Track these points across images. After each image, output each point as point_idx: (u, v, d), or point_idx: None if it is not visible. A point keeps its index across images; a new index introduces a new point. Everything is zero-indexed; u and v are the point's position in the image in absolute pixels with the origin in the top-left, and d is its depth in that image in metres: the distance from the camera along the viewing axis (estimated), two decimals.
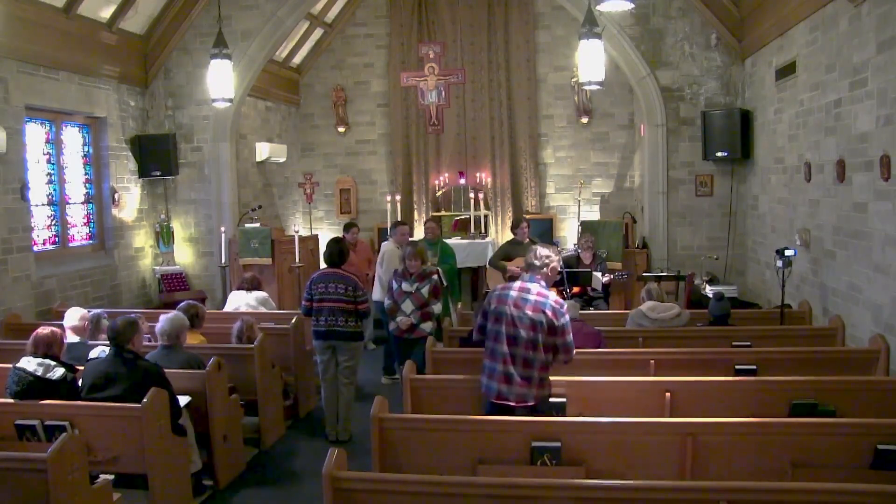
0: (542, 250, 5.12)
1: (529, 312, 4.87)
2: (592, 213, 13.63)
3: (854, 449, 4.28)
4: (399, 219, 10.96)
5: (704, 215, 11.40)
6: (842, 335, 6.87)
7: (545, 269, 5.07)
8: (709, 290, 9.89)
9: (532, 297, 4.92)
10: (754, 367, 5.93)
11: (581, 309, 7.14)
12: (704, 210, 11.39)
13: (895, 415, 4.80)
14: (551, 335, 4.89)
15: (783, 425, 4.50)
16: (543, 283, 5.05)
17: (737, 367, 5.94)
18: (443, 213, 13.55)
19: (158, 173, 11.17)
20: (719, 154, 10.90)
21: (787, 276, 7.76)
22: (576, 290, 8.88)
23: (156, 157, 11.08)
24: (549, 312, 4.87)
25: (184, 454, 5.54)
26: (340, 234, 9.61)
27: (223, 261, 10.52)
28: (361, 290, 7.09)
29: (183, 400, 5.62)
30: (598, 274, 9.09)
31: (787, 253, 7.60)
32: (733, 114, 10.78)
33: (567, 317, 4.99)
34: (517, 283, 5.04)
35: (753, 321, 7.77)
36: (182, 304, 6.95)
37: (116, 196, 10.67)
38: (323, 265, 7.45)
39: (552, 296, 4.98)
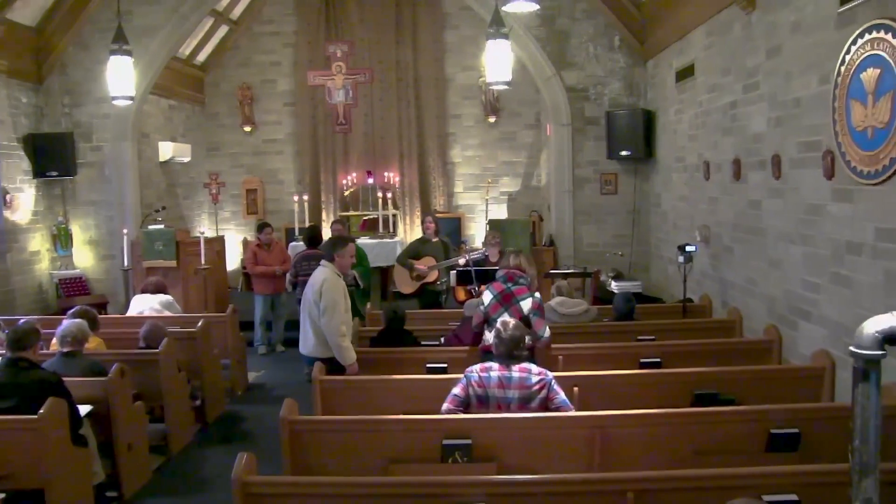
0: (511, 329, 4.74)
1: (516, 392, 4.61)
2: (500, 212, 13.80)
3: (751, 434, 4.45)
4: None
5: (609, 213, 11.68)
6: (739, 326, 7.16)
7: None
8: (614, 286, 10.15)
9: (515, 375, 4.64)
10: (659, 359, 6.12)
11: None
12: (609, 208, 11.67)
13: (787, 401, 5.02)
14: (543, 407, 4.63)
15: (686, 415, 4.63)
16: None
17: (642, 360, 6.11)
18: (351, 212, 13.48)
19: (55, 174, 10.74)
20: (623, 153, 11.18)
21: (689, 272, 8.04)
22: (484, 288, 8.93)
23: (52, 156, 10.66)
24: (535, 386, 4.62)
25: (85, 466, 5.33)
26: (254, 235, 9.52)
27: (126, 264, 10.20)
28: None
29: (84, 409, 5.40)
30: None
31: (689, 249, 7.88)
32: (636, 114, 11.07)
33: (551, 376, 4.69)
34: (495, 364, 4.69)
35: (657, 315, 8.00)
36: (75, 309, 6.60)
37: (8, 197, 10.17)
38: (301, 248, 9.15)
39: (534, 367, 4.71)
